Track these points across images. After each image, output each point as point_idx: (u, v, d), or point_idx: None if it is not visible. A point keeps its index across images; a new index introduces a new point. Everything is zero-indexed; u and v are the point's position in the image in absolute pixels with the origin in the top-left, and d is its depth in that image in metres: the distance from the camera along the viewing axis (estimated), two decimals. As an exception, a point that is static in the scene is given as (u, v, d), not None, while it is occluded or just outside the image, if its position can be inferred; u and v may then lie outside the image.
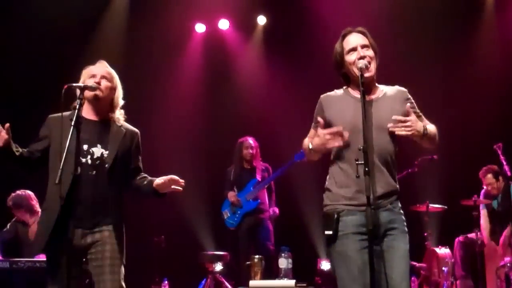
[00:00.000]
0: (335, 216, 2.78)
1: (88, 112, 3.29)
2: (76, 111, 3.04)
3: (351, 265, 2.73)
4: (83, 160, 3.15)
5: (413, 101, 2.98)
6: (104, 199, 3.16)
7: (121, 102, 3.37)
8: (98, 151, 3.20)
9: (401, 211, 2.90)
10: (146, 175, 3.39)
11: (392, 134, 2.83)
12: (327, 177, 2.96)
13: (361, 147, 2.68)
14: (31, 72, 7.25)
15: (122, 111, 3.38)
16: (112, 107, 3.32)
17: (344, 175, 2.84)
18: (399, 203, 2.90)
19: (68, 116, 3.13)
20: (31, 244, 5.07)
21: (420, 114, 2.96)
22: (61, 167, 2.89)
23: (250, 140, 6.46)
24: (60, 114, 3.13)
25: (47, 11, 7.31)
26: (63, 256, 3.00)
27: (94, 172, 3.16)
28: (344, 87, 3.02)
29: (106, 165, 3.18)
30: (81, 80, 3.29)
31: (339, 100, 2.94)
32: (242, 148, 6.44)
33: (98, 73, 3.27)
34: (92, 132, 3.23)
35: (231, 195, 6.34)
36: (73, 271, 3.04)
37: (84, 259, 3.17)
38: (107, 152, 3.21)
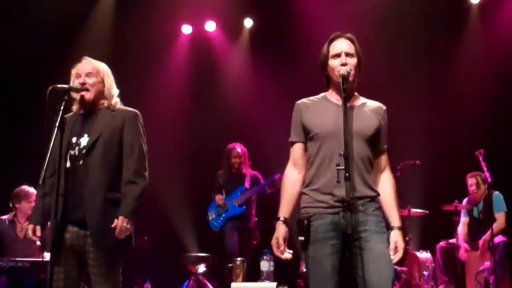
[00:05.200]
0: (305, 222, 2.80)
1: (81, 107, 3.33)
2: (61, 112, 3.02)
3: (322, 269, 2.74)
4: (72, 152, 3.19)
5: (386, 121, 3.02)
6: (90, 185, 3.12)
7: (115, 92, 3.37)
8: (84, 140, 3.21)
9: (376, 212, 2.89)
10: (132, 183, 3.24)
11: (369, 141, 2.88)
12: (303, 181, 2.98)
13: (342, 153, 2.69)
14: (17, 72, 7.20)
15: (116, 99, 3.37)
16: (105, 98, 3.33)
17: (322, 179, 2.84)
18: (374, 204, 2.90)
19: (68, 116, 3.25)
20: (21, 241, 5.14)
21: (385, 136, 3.02)
22: (44, 168, 2.89)
23: (238, 149, 6.51)
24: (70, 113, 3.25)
25: (32, 12, 7.27)
26: (61, 249, 3.08)
27: (81, 161, 3.17)
28: (323, 94, 3.04)
29: (87, 150, 3.17)
30: (71, 80, 3.31)
31: (318, 106, 2.97)
32: (230, 156, 6.50)
33: (83, 72, 3.28)
34: (80, 124, 3.27)
35: (219, 198, 6.41)
36: (72, 269, 3.12)
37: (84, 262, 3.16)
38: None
